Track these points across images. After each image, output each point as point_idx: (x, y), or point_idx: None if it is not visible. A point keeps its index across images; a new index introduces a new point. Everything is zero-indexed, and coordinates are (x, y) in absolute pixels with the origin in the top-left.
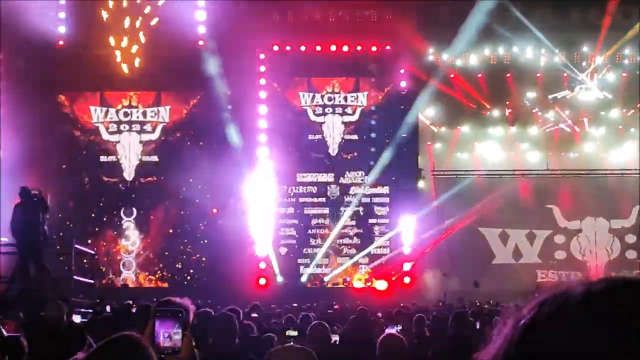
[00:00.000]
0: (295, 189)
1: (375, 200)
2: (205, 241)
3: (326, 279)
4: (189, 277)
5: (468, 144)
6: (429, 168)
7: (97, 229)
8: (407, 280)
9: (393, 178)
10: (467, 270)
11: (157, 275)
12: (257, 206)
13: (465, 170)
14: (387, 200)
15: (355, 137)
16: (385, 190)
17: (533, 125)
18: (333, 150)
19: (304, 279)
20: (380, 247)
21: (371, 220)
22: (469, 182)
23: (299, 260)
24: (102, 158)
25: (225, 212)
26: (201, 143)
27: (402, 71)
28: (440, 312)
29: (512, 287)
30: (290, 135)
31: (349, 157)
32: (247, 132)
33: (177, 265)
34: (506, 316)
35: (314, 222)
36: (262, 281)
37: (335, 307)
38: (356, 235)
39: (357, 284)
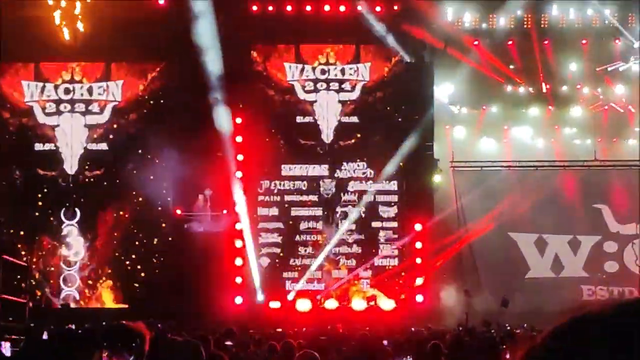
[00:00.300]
0: (280, 184)
1: (381, 198)
2: (167, 250)
3: (319, 297)
4: (147, 295)
5: (496, 128)
6: (448, 158)
7: (31, 235)
8: (419, 298)
9: (403, 171)
10: (495, 286)
11: (106, 293)
12: (232, 206)
13: (493, 161)
14: (395, 198)
15: (355, 119)
16: (392, 186)
17: (577, 105)
18: (327, 136)
19: (290, 297)
20: (386, 257)
21: (375, 224)
22: (498, 176)
23: (285, 274)
24: (38, 146)
25: (192, 214)
26: (162, 127)
27: (414, 37)
28: (459, 338)
29: (551, 307)
30: (274, 117)
31: (347, 145)
32: (219, 114)
33: (132, 281)
34: (516, 348)
35: (303, 225)
36: (239, 300)
37: (331, 332)
38: (357, 243)
39: (358, 303)
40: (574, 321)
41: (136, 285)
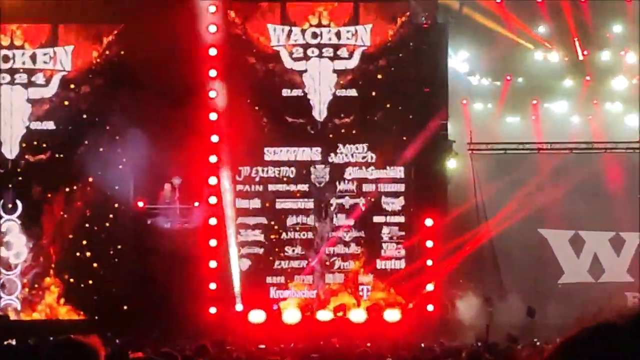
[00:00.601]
0: (263, 171)
1: (385, 188)
2: (128, 250)
3: (310, 306)
4: (103, 305)
5: (522, 103)
6: (465, 140)
7: None
8: (430, 307)
9: (411, 155)
10: (521, 293)
11: (54, 303)
12: (204, 198)
13: (519, 143)
14: (401, 188)
15: (353, 92)
16: (399, 173)
17: (620, 75)
18: (320, 112)
19: (276, 306)
20: (391, 258)
21: (378, 219)
22: (525, 161)
23: (269, 279)
24: None
25: (158, 207)
26: (120, 103)
27: None
28: (478, 356)
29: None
30: (255, 90)
31: (343, 124)
32: (189, 86)
33: (85, 287)
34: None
35: (290, 221)
36: (213, 310)
37: (325, 348)
38: (355, 242)
39: (357, 314)
40: (600, 327)
41: (91, 292)
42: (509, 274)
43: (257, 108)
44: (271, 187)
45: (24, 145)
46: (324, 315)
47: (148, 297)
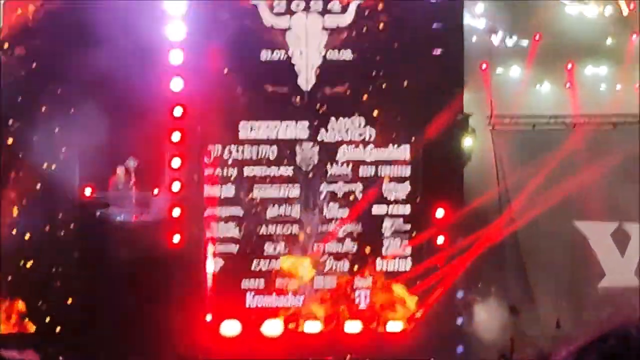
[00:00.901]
0: (238, 151)
1: (387, 171)
2: (73, 248)
3: (295, 316)
4: (45, 315)
5: (556, 67)
6: (485, 113)
7: None
8: (441, 317)
9: (419, 131)
10: (553, 300)
11: None
12: (166, 184)
13: (551, 116)
14: (407, 171)
15: (347, 54)
16: (404, 153)
17: None
18: (307, 79)
19: (254, 316)
20: (394, 257)
21: (378, 210)
22: (558, 138)
23: (245, 283)
24: None
25: (109, 195)
26: (61, 68)
27: None
28: None
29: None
30: (228, 52)
31: (336, 94)
32: (149, 47)
33: (25, 294)
34: None
35: (272, 212)
36: (178, 321)
37: None
38: (351, 237)
39: (352, 325)
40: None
41: (30, 301)
42: (537, 277)
43: (230, 74)
44: (247, 171)
45: None
46: (313, 326)
47: (96, 306)
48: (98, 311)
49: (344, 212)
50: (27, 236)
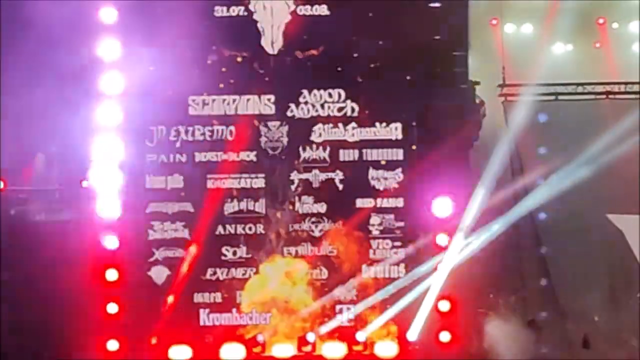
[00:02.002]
0: (187, 132)
1: (374, 155)
2: None
3: (260, 338)
4: None
5: (582, 23)
6: (496, 80)
7: None
8: (444, 337)
9: (413, 105)
10: (583, 311)
11: None
12: (99, 174)
13: (577, 84)
14: (399, 154)
15: (323, 9)
16: (394, 132)
17: None
18: (272, 41)
19: (210, 339)
20: (383, 262)
21: (363, 202)
22: (586, 111)
23: (198, 297)
24: None
25: (26, 189)
26: None
27: None
28: None
29: None
30: (175, 9)
31: (308, 58)
32: (74, 6)
33: None
34: None
35: (230, 208)
36: (114, 345)
37: None
38: (330, 237)
39: (333, 348)
40: None
41: None
42: (562, 283)
43: (175, 36)
44: (199, 157)
45: None
46: (283, 350)
47: (17, 324)
48: (12, 332)
49: (321, 207)
50: None
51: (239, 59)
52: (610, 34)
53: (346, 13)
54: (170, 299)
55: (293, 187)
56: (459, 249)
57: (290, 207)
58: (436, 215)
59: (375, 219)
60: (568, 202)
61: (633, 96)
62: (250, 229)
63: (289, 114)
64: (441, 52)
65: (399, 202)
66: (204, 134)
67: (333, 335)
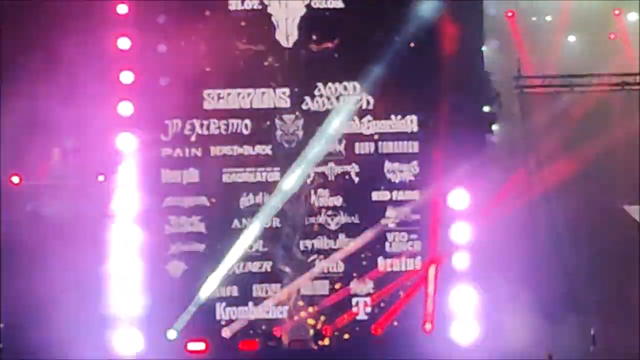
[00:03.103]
0: (202, 126)
1: (389, 148)
2: None
3: (277, 332)
4: None
5: (598, 14)
6: (511, 72)
7: None
8: (460, 330)
9: (429, 97)
10: (598, 309)
11: None
12: (112, 169)
13: (593, 75)
14: (414, 147)
15: (338, 2)
16: (410, 124)
17: None
18: (287, 34)
19: (227, 332)
20: (399, 256)
21: (379, 195)
22: (603, 102)
23: (214, 292)
24: None
25: (42, 184)
26: None
27: None
28: None
29: None
30: (190, 2)
31: (324, 51)
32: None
33: None
34: None
35: (245, 201)
36: (132, 339)
37: None
38: (345, 231)
39: (348, 341)
40: None
41: None
42: (576, 278)
43: (190, 30)
44: (215, 151)
45: None
46: (299, 343)
47: (32, 316)
48: (29, 320)
49: (337, 200)
50: None
51: (254, 52)
52: (626, 25)
53: (361, 6)
54: (187, 293)
55: (309, 181)
56: (475, 241)
57: (306, 201)
58: (452, 207)
59: (391, 212)
60: (584, 193)
61: None
62: (266, 222)
63: (304, 107)
64: (456, 43)
65: (415, 195)
66: (219, 127)
67: (349, 328)
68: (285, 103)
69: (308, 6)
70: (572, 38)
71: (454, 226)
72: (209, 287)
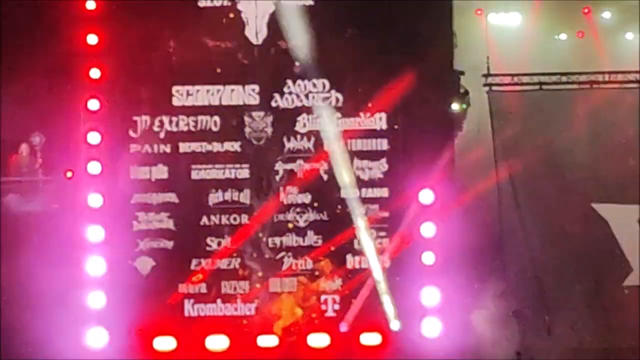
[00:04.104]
0: (171, 122)
1: (358, 145)
2: None
3: (245, 329)
4: None
5: (568, 12)
6: (481, 70)
7: None
8: (429, 327)
9: (397, 95)
10: (568, 302)
11: None
12: (81, 165)
13: (562, 74)
14: (383, 145)
15: None
16: (379, 122)
17: None
18: (257, 31)
19: (195, 329)
20: (369, 253)
21: (347, 193)
22: (571, 101)
23: (182, 288)
24: None
25: (8, 179)
26: None
27: None
28: None
29: None
30: None
31: (291, 47)
32: None
33: None
34: None
35: (214, 198)
36: (98, 336)
37: None
38: (314, 228)
39: (317, 339)
40: None
41: None
42: (547, 273)
43: (160, 25)
44: (184, 147)
45: None
46: (268, 340)
47: None
48: None
49: (306, 197)
50: None
51: (223, 49)
52: (595, 23)
53: (331, 3)
54: (155, 289)
55: (277, 178)
56: (443, 240)
57: (274, 198)
58: (421, 205)
59: (359, 209)
60: (552, 192)
61: (616, 85)
62: (234, 219)
63: (273, 104)
64: (426, 41)
65: (384, 192)
66: (188, 124)
67: (317, 325)
68: (255, 100)
69: (277, 3)
70: (544, 37)
71: (423, 223)
72: (178, 283)
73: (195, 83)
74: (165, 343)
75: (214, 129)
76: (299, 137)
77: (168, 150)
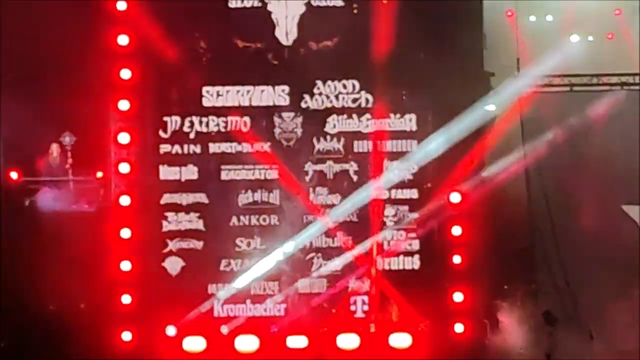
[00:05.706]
0: (201, 123)
1: (388, 146)
2: None
3: (275, 328)
4: None
5: (599, 14)
6: (511, 71)
7: None
8: (459, 328)
9: (427, 96)
10: (598, 305)
11: None
12: (111, 165)
13: (593, 75)
14: (413, 146)
15: (337, 1)
16: (408, 123)
17: None
18: (287, 32)
19: (225, 329)
20: (398, 254)
21: (377, 194)
22: (603, 103)
23: (212, 288)
24: None
25: (40, 179)
26: None
27: None
28: None
29: None
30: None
31: (323, 49)
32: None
33: None
34: None
35: (244, 199)
36: (127, 336)
37: None
38: (344, 230)
39: (347, 340)
40: None
41: None
42: (578, 276)
43: (189, 27)
44: (214, 148)
45: None
46: (297, 341)
47: (28, 314)
48: (27, 322)
49: (335, 198)
50: None
51: (253, 50)
52: (627, 25)
53: (361, 4)
54: (184, 289)
55: (307, 179)
56: (472, 240)
57: (304, 199)
58: (450, 206)
59: (389, 211)
60: (582, 193)
61: None
62: (264, 220)
63: (303, 105)
64: (456, 43)
65: (414, 194)
66: (218, 125)
67: (347, 326)
68: (285, 101)
69: (308, 4)
70: (576, 39)
71: (452, 224)
72: (207, 284)
73: (225, 84)
74: (194, 343)
75: (244, 129)
76: (328, 138)
77: (198, 150)
